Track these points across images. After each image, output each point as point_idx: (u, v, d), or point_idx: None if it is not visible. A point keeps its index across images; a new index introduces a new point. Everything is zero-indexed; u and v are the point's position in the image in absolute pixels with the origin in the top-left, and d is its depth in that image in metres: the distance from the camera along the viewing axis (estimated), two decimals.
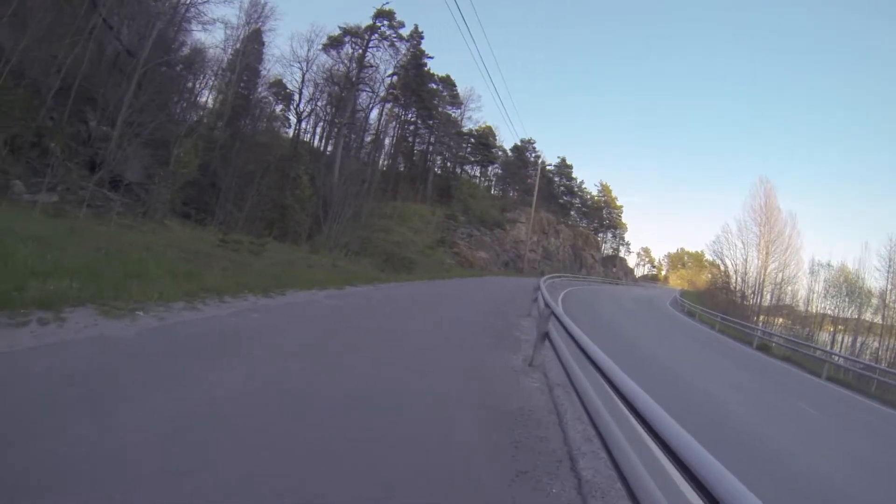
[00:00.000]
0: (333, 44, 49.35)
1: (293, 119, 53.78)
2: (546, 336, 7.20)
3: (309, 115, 54.71)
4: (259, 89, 51.17)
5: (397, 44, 53.62)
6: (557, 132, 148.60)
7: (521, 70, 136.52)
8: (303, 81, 51.66)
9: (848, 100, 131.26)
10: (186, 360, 4.97)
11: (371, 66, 51.15)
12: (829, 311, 43.77)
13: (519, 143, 71.22)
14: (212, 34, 77.47)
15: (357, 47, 50.25)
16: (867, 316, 41.27)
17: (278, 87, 52.82)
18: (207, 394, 4.17)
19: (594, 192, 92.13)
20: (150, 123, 23.63)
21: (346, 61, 50.66)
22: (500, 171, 72.76)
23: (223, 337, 6.22)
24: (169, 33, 32.91)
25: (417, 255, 33.70)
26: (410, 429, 4.24)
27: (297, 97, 52.24)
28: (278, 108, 53.67)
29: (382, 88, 55.50)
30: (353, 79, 50.01)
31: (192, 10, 35.53)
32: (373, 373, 5.79)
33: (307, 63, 50.96)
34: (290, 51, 52.60)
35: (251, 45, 51.92)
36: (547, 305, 7.48)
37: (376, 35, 50.55)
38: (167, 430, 3.40)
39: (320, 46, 49.08)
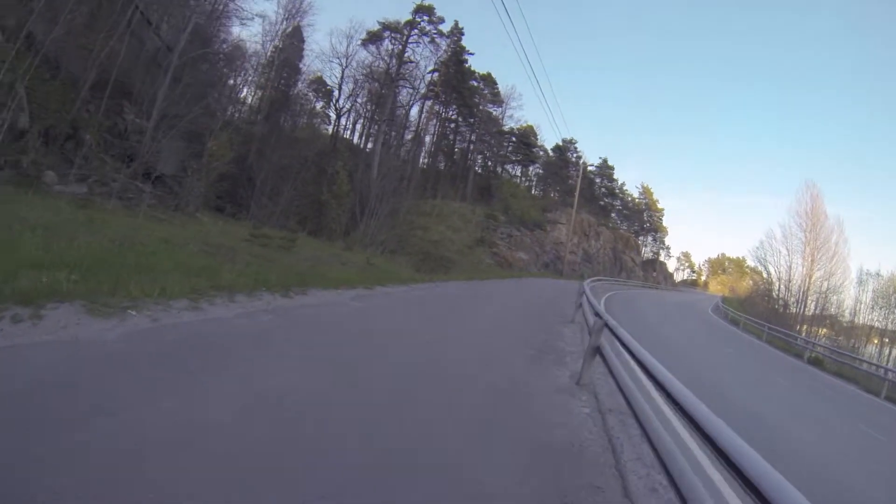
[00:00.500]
0: (372, 39, 48.96)
1: (333, 115, 54.11)
2: (598, 351, 6.21)
3: (348, 111, 54.62)
4: (299, 85, 51.52)
5: (437, 40, 53.04)
6: (599, 133, 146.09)
7: (563, 70, 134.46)
8: (342, 77, 51.58)
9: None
10: (167, 371, 4.17)
11: (411, 62, 50.66)
12: (877, 323, 42.51)
13: (560, 143, 69.74)
14: (250, 28, 77.42)
15: (396, 43, 49.81)
16: None
17: (319, 83, 52.84)
18: (176, 418, 3.35)
19: (635, 195, 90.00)
20: (186, 116, 23.44)
21: (385, 57, 50.29)
22: (541, 172, 71.36)
23: (220, 343, 5.38)
24: (208, 28, 32.85)
25: (455, 254, 32.83)
26: (428, 475, 3.31)
27: (336, 93, 52.43)
28: (319, 104, 53.89)
29: (423, 85, 55.11)
30: (393, 75, 49.50)
31: (231, 4, 35.52)
32: (390, 394, 4.86)
33: (346, 59, 50.92)
34: (329, 47, 52.63)
35: (291, 42, 52.17)
36: (598, 315, 6.49)
37: (416, 31, 50.00)
38: (106, 468, 2.59)
39: (359, 42, 48.71)
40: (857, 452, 8.47)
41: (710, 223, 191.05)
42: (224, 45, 35.70)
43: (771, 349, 23.77)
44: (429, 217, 39.63)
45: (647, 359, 4.02)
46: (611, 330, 5.63)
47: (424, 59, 53.04)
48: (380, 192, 33.68)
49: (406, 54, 50.20)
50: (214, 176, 25.49)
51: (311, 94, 52.32)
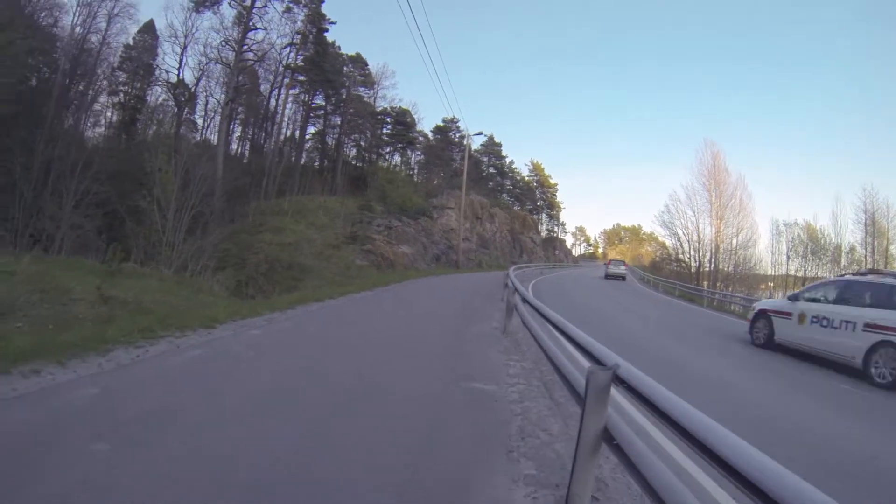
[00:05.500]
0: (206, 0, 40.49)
1: (183, 108, 45.42)
2: None
3: (190, 99, 46.13)
4: (156, 88, 44.86)
5: (294, 9, 45.56)
6: (483, 111, 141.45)
7: (446, 47, 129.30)
8: (181, 58, 43.20)
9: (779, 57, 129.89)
10: None
11: (258, 29, 42.75)
12: (798, 273, 42.22)
13: (442, 124, 64.12)
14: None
15: (237, 6, 41.70)
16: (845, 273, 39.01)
17: (182, 87, 44.92)
18: None
19: (525, 173, 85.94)
20: None
21: (228, 25, 42.13)
22: (422, 158, 65.46)
23: None
24: None
25: (314, 258, 25.78)
26: None
27: (179, 78, 44.20)
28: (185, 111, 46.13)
29: (281, 66, 47.77)
30: (236, 47, 41.36)
31: None
32: None
33: (185, 37, 42.61)
34: (165, 24, 44.13)
35: (143, 38, 44.23)
36: None
37: None
38: None
39: (191, 3, 40.42)
40: None
41: (603, 196, 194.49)
42: None
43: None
44: (285, 215, 32.23)
45: None
46: None
47: (282, 36, 45.57)
48: (212, 193, 26.07)
49: (252, 20, 42.13)
50: None
51: (172, 97, 44.25)
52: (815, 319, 10.27)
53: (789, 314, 11.11)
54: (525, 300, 8.59)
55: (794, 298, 11.55)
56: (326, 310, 11.14)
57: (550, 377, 6.17)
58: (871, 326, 8.86)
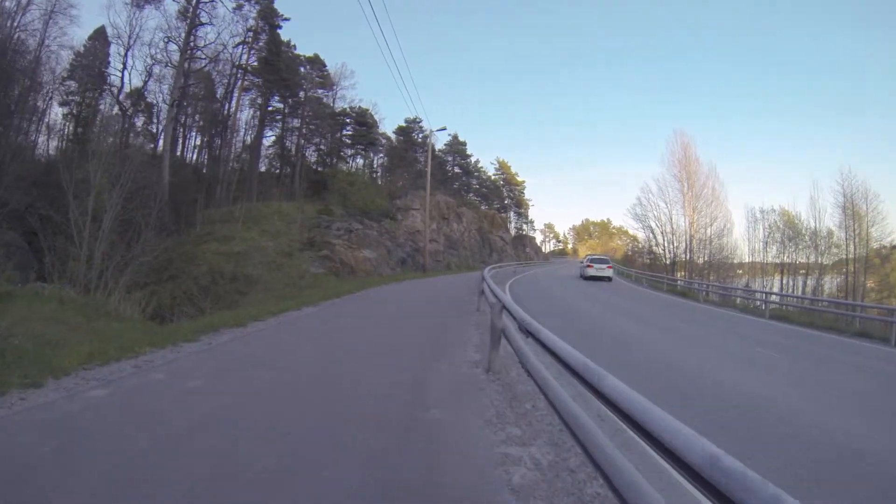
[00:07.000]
0: None
1: (128, 115, 42.68)
2: None
3: (136, 105, 43.48)
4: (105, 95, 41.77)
5: (245, 6, 43.25)
6: (446, 110, 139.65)
7: (405, 41, 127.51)
8: (125, 60, 40.40)
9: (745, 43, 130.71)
10: None
11: (204, 24, 40.28)
12: (776, 259, 43.47)
13: (404, 125, 62.30)
14: None
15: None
16: (823, 257, 40.23)
17: (138, 96, 42.78)
18: None
19: (491, 172, 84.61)
20: None
21: (175, 28, 39.50)
22: (385, 161, 63.56)
23: None
24: None
25: (264, 268, 23.71)
26: None
27: (129, 87, 41.72)
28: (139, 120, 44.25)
29: (234, 68, 45.34)
30: (181, 45, 38.86)
31: None
32: None
33: (130, 38, 39.81)
34: (107, 24, 41.14)
35: (93, 45, 41.84)
36: None
37: None
38: None
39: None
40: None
41: (569, 192, 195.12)
42: None
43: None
44: (235, 223, 29.98)
45: None
46: None
47: (234, 36, 43.11)
48: (151, 200, 23.71)
49: (200, 17, 39.68)
50: None
51: (117, 103, 41.34)
52: (583, 266, 34.25)
53: (582, 265, 35.23)
54: (527, 332, 5.01)
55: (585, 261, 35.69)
56: (238, 341, 8.43)
57: (593, 487, 3.51)
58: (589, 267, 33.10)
